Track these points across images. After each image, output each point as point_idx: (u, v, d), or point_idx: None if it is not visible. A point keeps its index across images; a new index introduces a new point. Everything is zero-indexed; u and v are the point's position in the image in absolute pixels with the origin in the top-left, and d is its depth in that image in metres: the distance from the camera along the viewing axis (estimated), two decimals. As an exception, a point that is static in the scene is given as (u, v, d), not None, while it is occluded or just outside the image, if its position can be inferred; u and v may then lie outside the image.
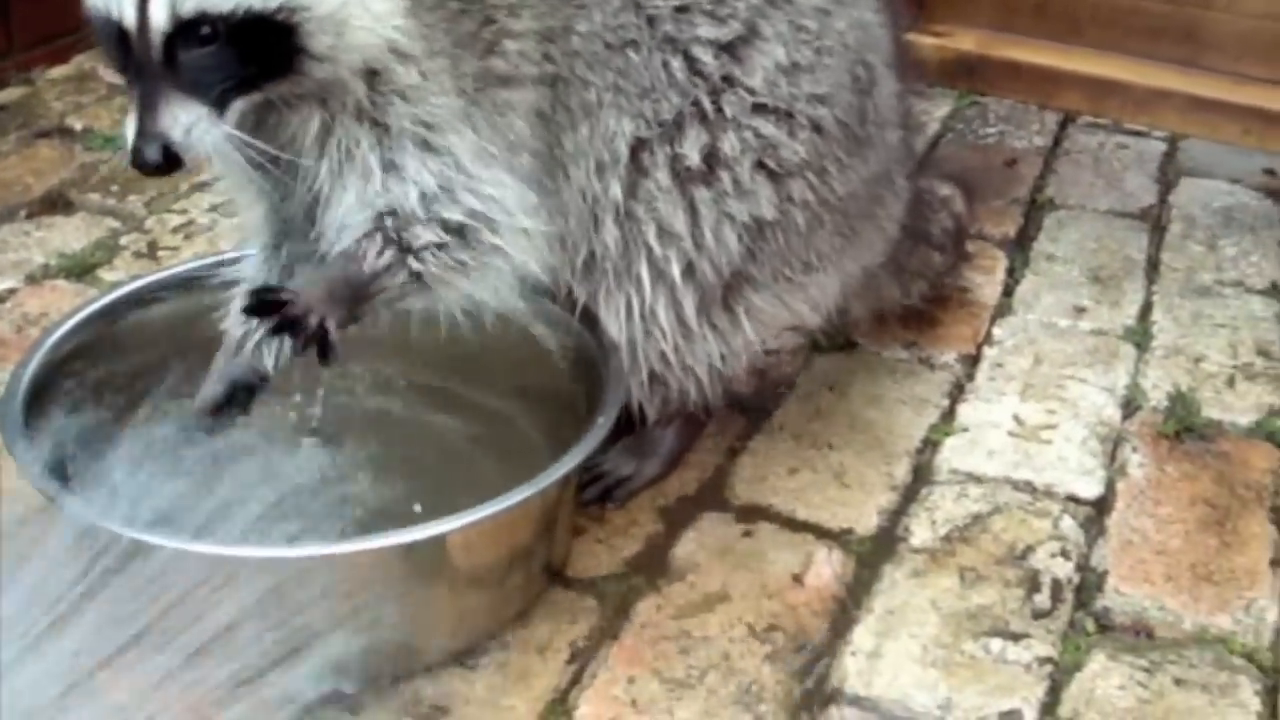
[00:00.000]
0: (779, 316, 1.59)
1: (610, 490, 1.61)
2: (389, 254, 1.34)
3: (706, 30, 1.44)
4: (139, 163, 1.23)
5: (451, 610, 1.38)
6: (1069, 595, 1.51)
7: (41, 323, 1.87)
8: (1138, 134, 2.53)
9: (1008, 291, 2.06)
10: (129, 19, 1.21)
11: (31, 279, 1.99)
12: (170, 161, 1.23)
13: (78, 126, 2.41)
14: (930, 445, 1.74)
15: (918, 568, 1.54)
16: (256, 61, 1.24)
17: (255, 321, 1.38)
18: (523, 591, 1.45)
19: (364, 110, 1.32)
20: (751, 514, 1.61)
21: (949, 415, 1.79)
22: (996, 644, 1.44)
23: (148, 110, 1.22)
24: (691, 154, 1.45)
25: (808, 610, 1.47)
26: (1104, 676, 1.41)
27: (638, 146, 1.45)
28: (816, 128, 1.48)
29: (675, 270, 1.48)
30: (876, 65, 1.56)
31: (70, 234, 2.10)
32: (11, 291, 1.96)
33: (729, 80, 1.45)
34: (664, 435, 1.65)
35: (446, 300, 1.38)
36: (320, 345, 1.30)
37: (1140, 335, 1.96)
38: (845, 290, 1.67)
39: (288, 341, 1.34)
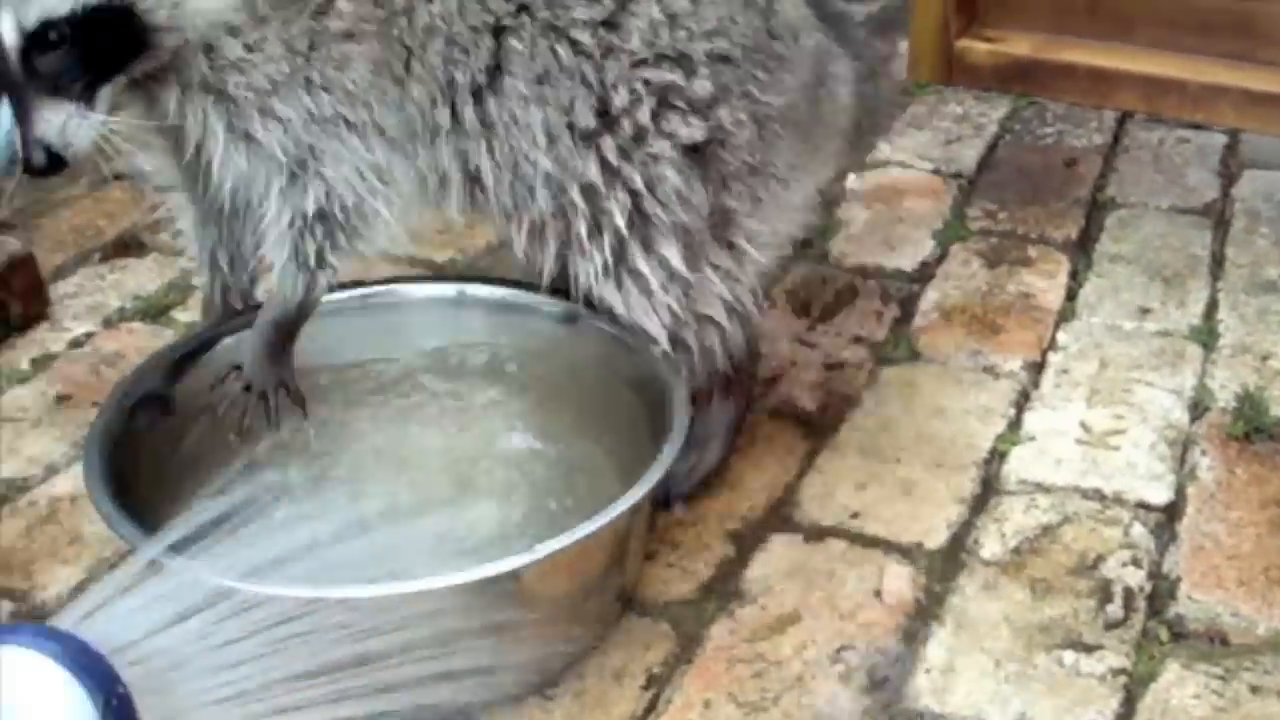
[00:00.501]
0: (779, 231, 1.63)
1: (677, 493, 1.65)
2: (301, 279, 1.48)
3: (582, 12, 1.49)
4: (28, 168, 1.34)
5: (529, 642, 1.41)
6: (1141, 604, 1.51)
7: (119, 365, 1.91)
8: (1198, 127, 2.51)
9: (1071, 295, 2.06)
10: None
11: (108, 322, 2.04)
12: (55, 162, 1.35)
13: (148, 168, 2.45)
14: (998, 455, 1.74)
15: (988, 581, 1.54)
16: (109, 48, 1.33)
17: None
18: (598, 620, 1.48)
19: (209, 83, 1.42)
20: (821, 532, 1.62)
21: (1015, 424, 1.80)
22: (1070, 656, 1.45)
23: (24, 119, 1.32)
24: (585, 117, 1.50)
25: (880, 628, 1.49)
26: (1179, 686, 1.41)
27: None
28: (721, 58, 1.52)
29: (620, 222, 1.52)
30: None
31: (144, 276, 2.15)
32: (89, 335, 2.01)
33: (610, 50, 1.49)
34: (712, 414, 1.67)
35: None
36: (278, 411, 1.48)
37: (1206, 335, 1.95)
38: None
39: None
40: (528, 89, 1.48)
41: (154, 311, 2.05)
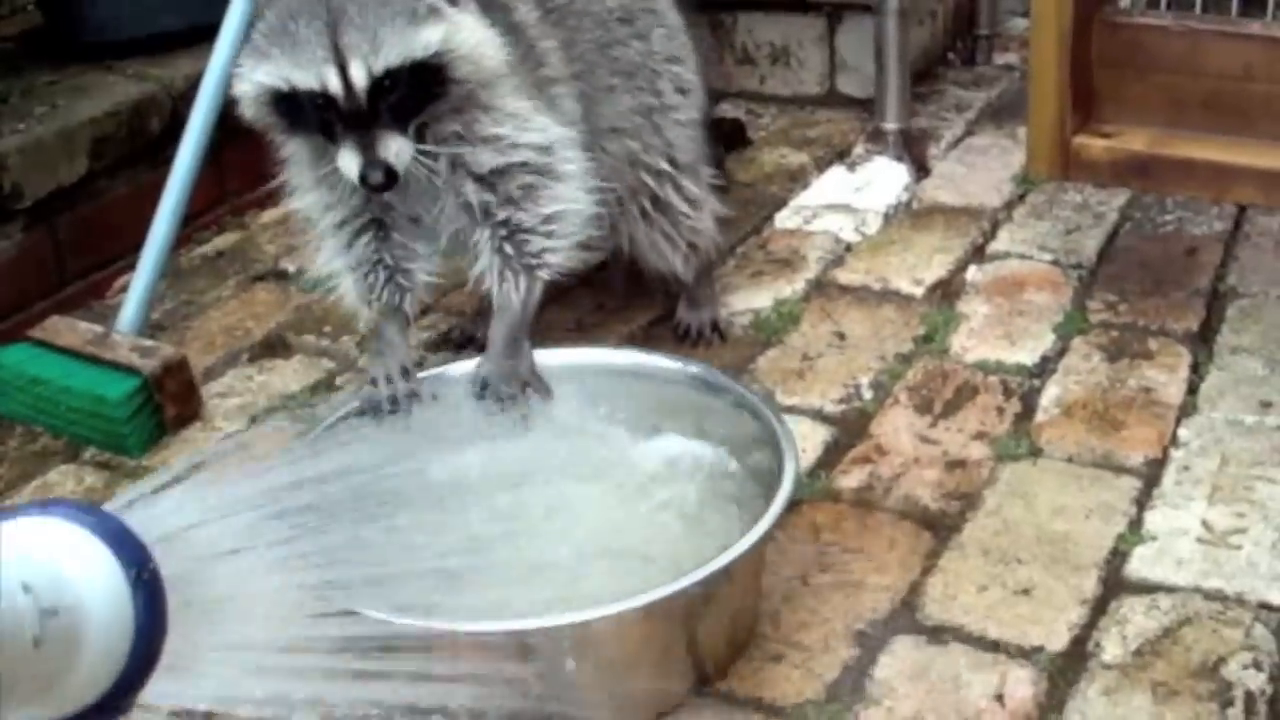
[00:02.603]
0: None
1: (701, 334, 2.25)
2: (522, 281, 1.83)
3: (626, 30, 2.05)
4: (370, 184, 1.69)
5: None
6: (1262, 707, 1.53)
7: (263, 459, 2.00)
8: (1320, 213, 2.53)
9: (1192, 389, 2.08)
10: (335, 86, 1.67)
11: (255, 421, 2.14)
12: (390, 178, 1.69)
13: (291, 269, 2.57)
14: (1119, 555, 1.77)
15: (1109, 685, 1.57)
16: (423, 93, 1.70)
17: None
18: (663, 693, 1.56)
19: (478, 119, 1.79)
20: (944, 634, 1.66)
21: (1137, 523, 1.82)
22: (1191, 761, 1.47)
23: (367, 146, 1.67)
24: (651, 102, 2.10)
25: (1002, 732, 1.52)
26: (1301, 793, 1.43)
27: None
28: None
29: (664, 164, 2.08)
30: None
31: (289, 376, 2.25)
32: (238, 435, 2.11)
33: (650, 54, 2.09)
34: (703, 283, 2.25)
35: None
36: (540, 387, 1.81)
37: (1329, 429, 1.96)
38: None
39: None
40: (625, 91, 2.03)
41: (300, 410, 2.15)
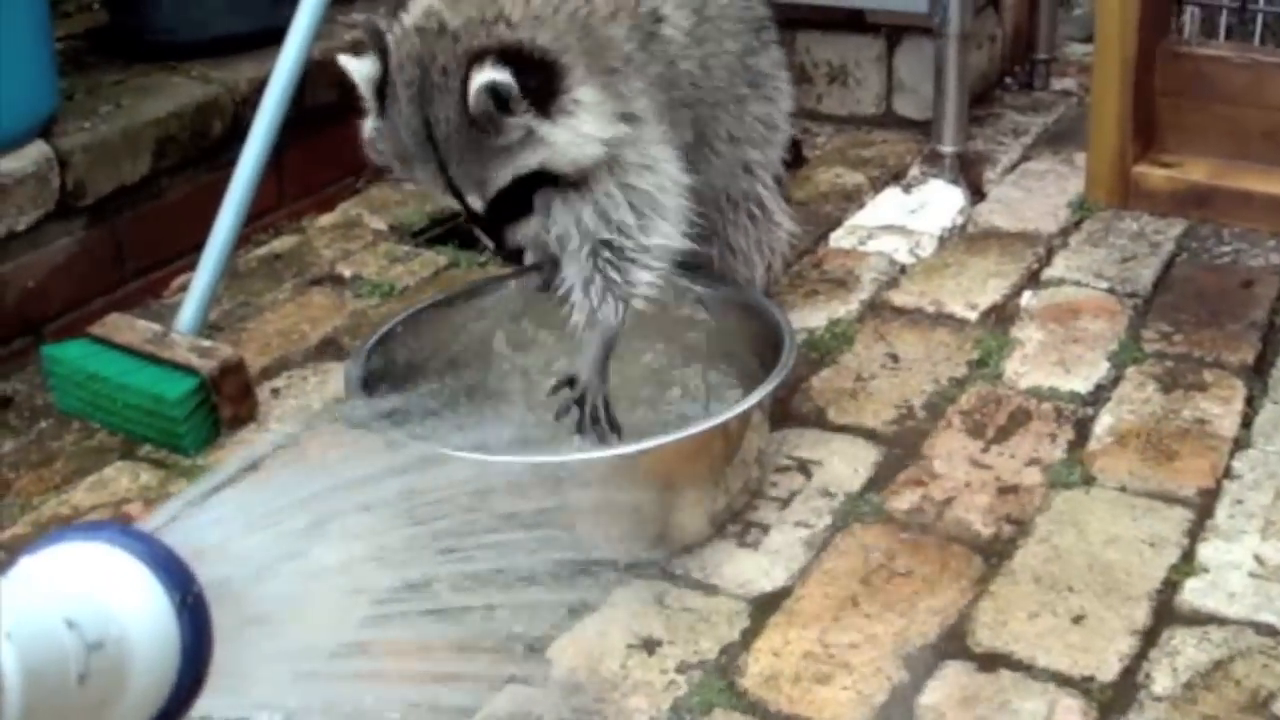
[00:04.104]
0: None
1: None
2: (621, 306, 1.89)
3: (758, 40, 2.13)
4: (501, 256, 1.93)
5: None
6: (1314, 745, 1.53)
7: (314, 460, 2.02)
8: (1379, 247, 2.52)
9: (1246, 422, 2.07)
10: (457, 206, 1.85)
11: (310, 424, 2.16)
12: (519, 254, 1.92)
13: (347, 274, 2.59)
14: (1170, 587, 1.76)
15: (1159, 717, 1.57)
16: (539, 184, 1.81)
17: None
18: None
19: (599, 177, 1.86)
20: (993, 661, 1.66)
21: (1189, 555, 1.82)
22: (1241, 797, 1.47)
23: (496, 238, 1.86)
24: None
25: (1051, 761, 1.52)
26: (1352, 833, 1.42)
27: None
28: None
29: (769, 175, 2.16)
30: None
31: (343, 380, 2.26)
32: (293, 437, 2.12)
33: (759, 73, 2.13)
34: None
35: None
36: (608, 421, 1.87)
37: (1385, 467, 1.95)
38: None
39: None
40: (755, 100, 2.10)
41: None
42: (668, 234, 1.89)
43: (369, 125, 1.87)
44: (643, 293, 1.90)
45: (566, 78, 1.76)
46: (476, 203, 1.81)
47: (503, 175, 1.78)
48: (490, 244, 1.88)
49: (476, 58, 1.72)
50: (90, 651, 0.80)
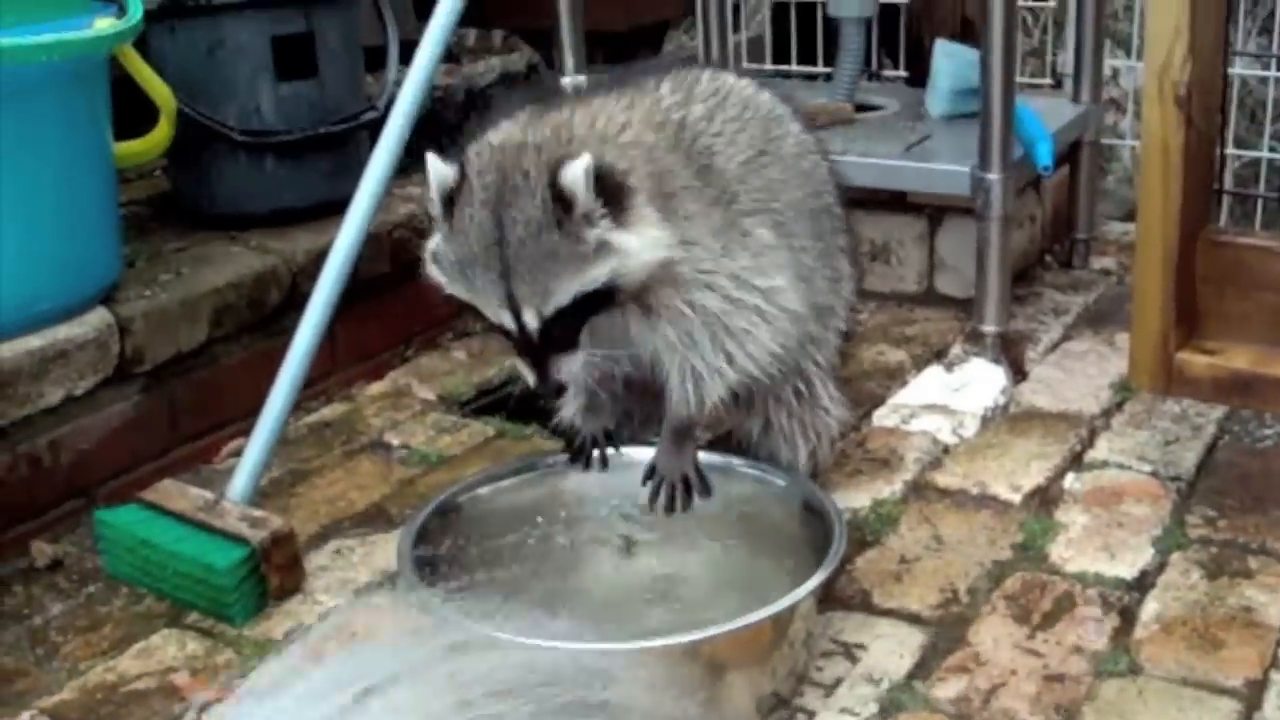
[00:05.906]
0: None
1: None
2: (700, 406, 2.00)
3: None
4: (543, 395, 1.91)
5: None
6: None
7: (363, 638, 2.02)
8: None
9: (1294, 611, 2.07)
10: (509, 325, 1.82)
11: (357, 595, 2.17)
12: (560, 392, 1.93)
13: (394, 442, 2.62)
14: (1220, 782, 1.75)
15: None
16: (596, 306, 1.83)
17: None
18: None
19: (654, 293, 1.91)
20: None
21: (1238, 748, 1.81)
22: None
23: (541, 369, 1.84)
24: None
25: None
26: None
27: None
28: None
29: (820, 356, 2.19)
30: None
31: (390, 551, 2.27)
32: (337, 607, 2.13)
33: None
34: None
35: None
36: (702, 486, 2.07)
37: None
38: None
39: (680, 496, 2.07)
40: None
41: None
42: (734, 351, 1.97)
43: (432, 241, 1.89)
44: (720, 397, 2.01)
45: (636, 195, 1.84)
46: (533, 321, 1.80)
47: (568, 288, 1.78)
48: (533, 377, 1.86)
49: (561, 162, 1.77)
50: None
